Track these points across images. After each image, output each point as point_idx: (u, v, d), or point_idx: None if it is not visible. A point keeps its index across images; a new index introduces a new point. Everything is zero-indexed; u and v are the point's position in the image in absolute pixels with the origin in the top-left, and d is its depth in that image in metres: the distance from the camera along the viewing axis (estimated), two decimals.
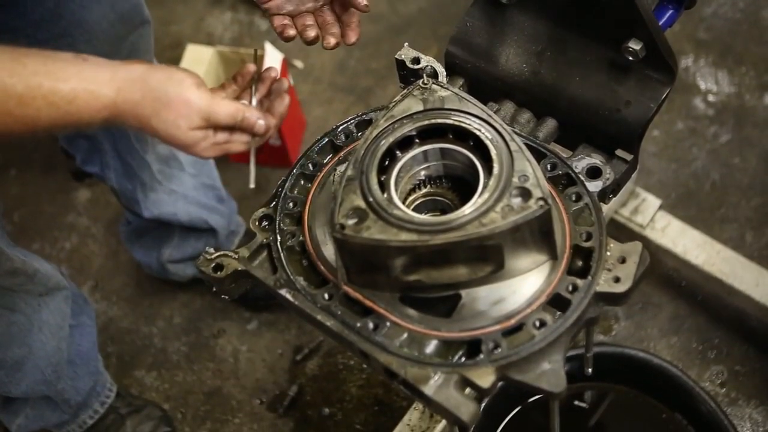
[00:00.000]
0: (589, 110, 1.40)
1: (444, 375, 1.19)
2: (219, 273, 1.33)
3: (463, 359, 1.21)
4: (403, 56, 1.45)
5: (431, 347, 1.21)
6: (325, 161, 1.42)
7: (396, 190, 1.26)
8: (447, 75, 1.44)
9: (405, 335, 1.22)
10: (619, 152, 1.39)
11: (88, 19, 1.74)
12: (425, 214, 1.31)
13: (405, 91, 1.34)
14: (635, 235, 2.27)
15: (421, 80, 1.34)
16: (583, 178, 1.31)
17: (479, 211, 1.18)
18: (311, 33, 1.46)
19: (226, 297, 1.38)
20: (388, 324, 1.22)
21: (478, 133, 1.26)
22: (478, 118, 1.28)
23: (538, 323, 1.19)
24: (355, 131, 1.44)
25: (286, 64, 2.63)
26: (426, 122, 1.29)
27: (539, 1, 1.42)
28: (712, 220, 2.47)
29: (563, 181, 1.32)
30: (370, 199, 1.21)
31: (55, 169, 2.81)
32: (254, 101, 1.42)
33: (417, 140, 1.30)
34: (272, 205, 1.37)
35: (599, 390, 2.07)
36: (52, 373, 1.96)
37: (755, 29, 2.84)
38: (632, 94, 1.37)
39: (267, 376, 2.38)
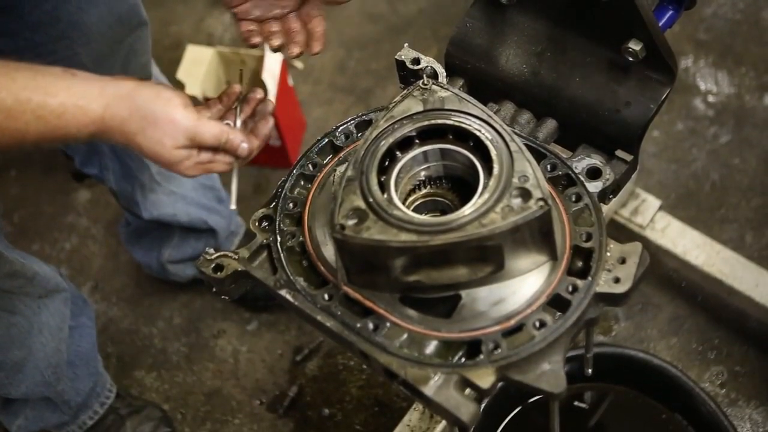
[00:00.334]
0: (589, 111, 1.40)
1: (444, 375, 1.18)
2: (219, 273, 1.33)
3: (463, 360, 1.21)
4: (403, 57, 1.45)
5: (431, 348, 1.21)
6: (325, 162, 1.41)
7: (396, 190, 1.26)
8: (447, 75, 1.44)
9: (405, 336, 1.22)
10: (619, 153, 1.39)
11: (85, 21, 1.74)
12: (425, 214, 1.31)
13: (405, 91, 1.34)
14: (635, 235, 2.26)
15: (421, 81, 1.34)
16: (583, 179, 1.31)
17: (479, 212, 1.17)
18: (276, 41, 1.46)
19: (226, 297, 1.38)
20: (388, 324, 1.22)
21: (478, 133, 1.26)
22: (478, 119, 1.28)
23: (538, 324, 1.19)
24: (355, 132, 1.43)
25: (286, 65, 2.62)
26: (426, 123, 1.29)
27: (539, 2, 1.42)
28: (712, 221, 2.47)
29: (563, 181, 1.32)
30: (370, 200, 1.21)
31: (55, 169, 2.80)
32: (239, 122, 1.43)
33: (417, 141, 1.30)
34: (272, 206, 1.37)
35: (599, 390, 2.07)
36: (51, 374, 1.96)
37: (755, 30, 2.84)
38: (632, 94, 1.37)
39: (267, 376, 2.38)
